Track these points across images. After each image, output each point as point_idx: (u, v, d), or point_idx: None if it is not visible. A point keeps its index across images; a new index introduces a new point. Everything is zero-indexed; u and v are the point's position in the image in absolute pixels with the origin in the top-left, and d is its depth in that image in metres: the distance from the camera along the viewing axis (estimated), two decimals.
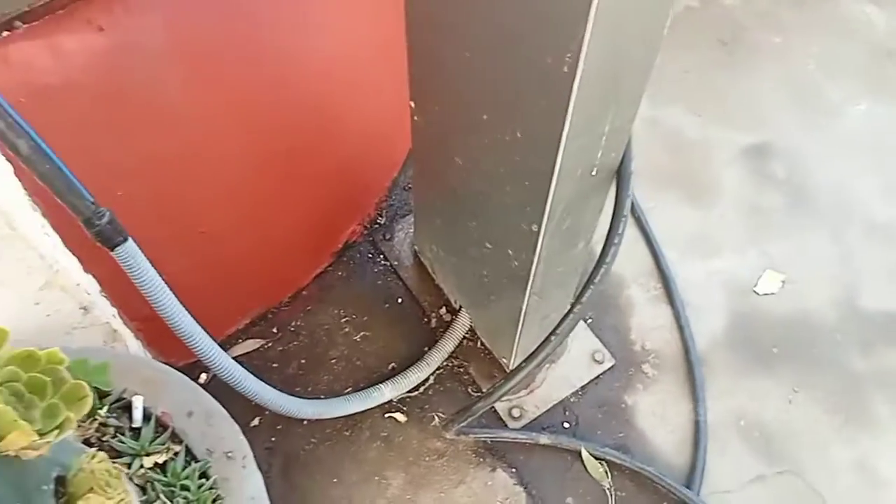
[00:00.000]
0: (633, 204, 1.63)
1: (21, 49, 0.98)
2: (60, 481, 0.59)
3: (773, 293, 1.53)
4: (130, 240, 0.92)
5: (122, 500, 0.57)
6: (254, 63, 1.20)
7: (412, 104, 1.15)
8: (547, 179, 0.88)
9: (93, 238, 0.90)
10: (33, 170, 0.82)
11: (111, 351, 1.02)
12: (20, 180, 0.91)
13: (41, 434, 0.50)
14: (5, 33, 0.97)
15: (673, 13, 0.83)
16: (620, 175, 0.97)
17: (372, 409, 1.29)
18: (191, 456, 0.82)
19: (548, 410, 1.34)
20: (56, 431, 0.51)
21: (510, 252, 1.07)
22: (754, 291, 1.53)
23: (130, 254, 0.92)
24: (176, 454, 0.81)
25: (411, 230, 1.55)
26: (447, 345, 1.36)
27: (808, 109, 1.83)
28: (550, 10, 0.70)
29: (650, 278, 1.54)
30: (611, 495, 1.27)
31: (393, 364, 1.38)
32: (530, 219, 0.97)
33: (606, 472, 1.28)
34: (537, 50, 0.75)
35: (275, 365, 1.36)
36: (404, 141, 1.66)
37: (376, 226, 1.56)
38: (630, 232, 1.59)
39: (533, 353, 1.02)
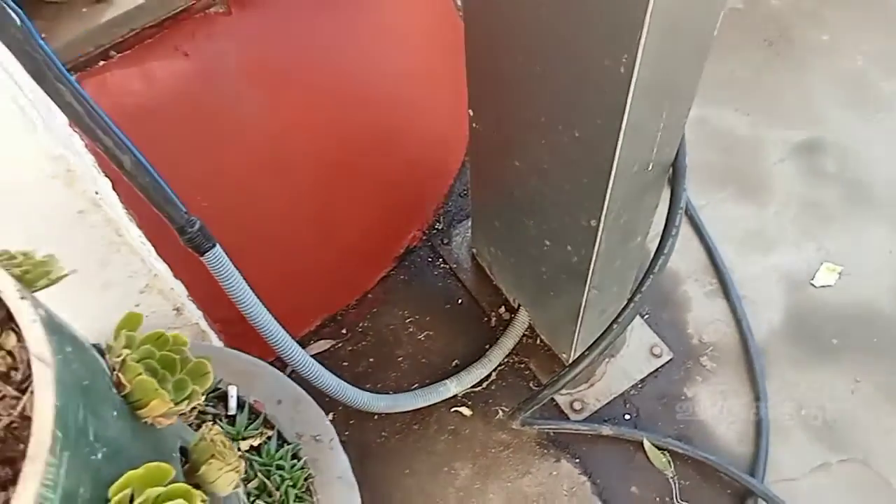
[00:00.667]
0: (686, 202, 1.66)
1: (116, 76, 1.08)
2: (182, 452, 0.66)
3: (830, 285, 1.54)
4: (218, 246, 1.00)
5: (237, 465, 0.64)
6: (321, 80, 1.28)
7: (471, 112, 1.21)
8: (605, 176, 0.93)
9: (185, 244, 0.98)
10: (135, 183, 0.91)
11: (207, 346, 1.10)
12: (118, 194, 1.00)
13: (175, 403, 0.57)
14: (102, 62, 1.07)
15: None
16: (675, 169, 1.02)
17: (438, 403, 1.35)
18: (282, 439, 0.89)
19: (608, 403, 1.38)
20: (186, 402, 0.58)
21: (569, 248, 1.12)
22: (811, 284, 1.54)
23: (218, 258, 1.00)
24: (269, 438, 0.88)
25: (468, 234, 1.61)
26: (507, 342, 1.41)
27: (858, 104, 1.83)
28: (607, 16, 0.75)
29: (705, 274, 1.56)
30: (674, 484, 1.29)
31: (456, 361, 1.44)
32: (589, 215, 1.01)
33: (669, 462, 1.31)
34: (595, 53, 0.80)
35: (345, 363, 1.43)
36: (459, 150, 1.74)
37: (435, 231, 1.63)
38: (684, 230, 1.62)
39: (595, 342, 1.07)
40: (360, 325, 1.48)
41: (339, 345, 1.46)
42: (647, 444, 1.32)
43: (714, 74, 1.88)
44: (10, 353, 0.46)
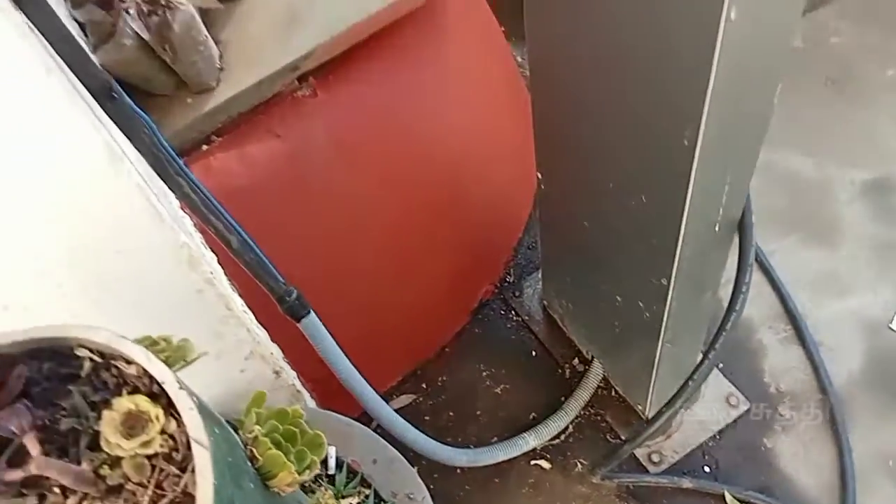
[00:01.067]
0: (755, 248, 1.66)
1: (218, 159, 1.19)
2: None
3: None
4: (313, 313, 1.09)
5: None
6: (397, 148, 1.37)
7: (539, 175, 1.27)
8: (673, 238, 0.97)
9: (284, 313, 1.07)
10: (241, 260, 1.00)
11: (308, 409, 1.18)
12: (223, 267, 1.10)
13: (298, 473, 0.64)
14: (204, 147, 1.18)
15: None
16: (742, 226, 1.05)
17: (518, 457, 1.39)
18: (378, 498, 0.96)
19: (687, 455, 1.39)
20: (307, 471, 0.66)
21: (641, 304, 1.16)
22: (890, 328, 1.52)
23: (313, 324, 1.09)
24: (366, 496, 0.95)
25: (539, 286, 1.66)
26: (583, 394, 1.44)
27: None
28: (669, 93, 0.81)
29: (779, 321, 1.56)
30: None
31: (533, 414, 1.48)
32: (659, 274, 1.05)
33: None
34: (658, 128, 0.86)
35: (427, 417, 1.49)
36: (526, 202, 1.80)
37: (506, 283, 1.69)
38: (755, 276, 1.61)
39: (670, 400, 1.10)
40: (440, 379, 1.55)
41: (420, 399, 1.52)
42: (728, 497, 1.32)
43: (776, 117, 1.88)
44: (171, 436, 0.54)
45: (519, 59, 1.96)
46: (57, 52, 0.69)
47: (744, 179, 0.97)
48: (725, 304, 1.06)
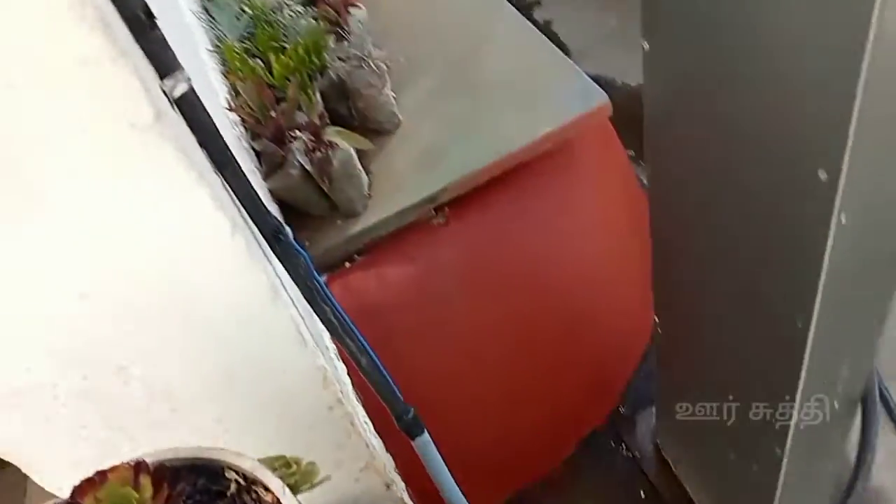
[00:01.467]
0: (890, 407, 1.55)
1: (357, 278, 1.32)
2: None
3: None
4: (426, 432, 1.16)
5: None
6: (524, 279, 1.45)
7: (656, 318, 1.30)
8: (787, 416, 0.96)
9: (400, 429, 1.15)
10: (368, 378, 1.10)
11: None
12: (350, 377, 1.21)
13: None
14: (347, 265, 1.32)
15: None
16: (865, 404, 1.02)
17: None
18: None
19: None
20: None
21: (755, 468, 1.13)
22: None
23: (425, 444, 1.16)
24: None
25: (653, 422, 1.63)
26: None
27: None
28: (779, 286, 0.83)
29: None
30: None
31: None
32: (772, 443, 1.03)
33: None
34: (770, 308, 0.88)
35: None
36: (645, 333, 1.80)
37: (619, 415, 1.68)
38: (891, 439, 1.51)
39: None
40: None
41: None
42: None
43: None
44: None
45: (645, 182, 2.00)
46: (245, 210, 0.83)
47: (863, 359, 0.95)
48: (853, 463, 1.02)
